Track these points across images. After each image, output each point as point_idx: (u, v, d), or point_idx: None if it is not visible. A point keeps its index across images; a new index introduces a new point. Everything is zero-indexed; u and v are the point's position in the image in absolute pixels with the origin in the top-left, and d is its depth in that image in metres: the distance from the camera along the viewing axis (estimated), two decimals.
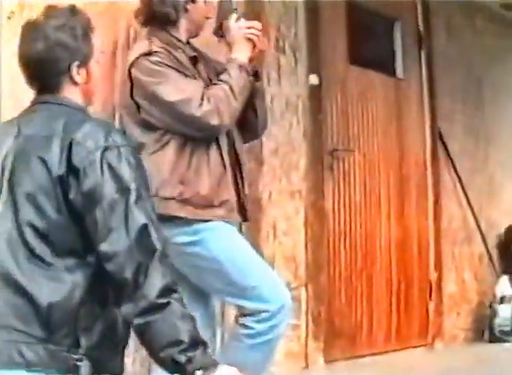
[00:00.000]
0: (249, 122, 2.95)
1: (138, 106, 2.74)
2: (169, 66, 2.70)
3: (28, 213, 1.78)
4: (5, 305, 1.74)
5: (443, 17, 6.04)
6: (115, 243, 1.73)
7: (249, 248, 2.84)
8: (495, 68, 6.58)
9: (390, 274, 5.18)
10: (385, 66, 5.53)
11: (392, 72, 5.58)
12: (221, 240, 2.78)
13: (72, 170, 1.77)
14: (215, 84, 2.74)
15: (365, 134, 5.10)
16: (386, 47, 5.64)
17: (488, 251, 6.25)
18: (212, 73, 2.85)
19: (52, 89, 1.96)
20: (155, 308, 1.71)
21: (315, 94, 4.57)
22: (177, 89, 2.67)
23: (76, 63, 1.95)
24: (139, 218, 1.75)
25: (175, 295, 1.75)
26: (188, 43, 2.90)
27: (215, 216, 2.75)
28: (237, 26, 2.82)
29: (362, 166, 5.05)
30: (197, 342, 1.72)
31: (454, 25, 6.17)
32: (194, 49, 2.91)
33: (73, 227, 1.78)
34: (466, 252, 6.06)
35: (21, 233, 1.77)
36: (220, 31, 2.87)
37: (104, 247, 1.73)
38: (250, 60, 2.81)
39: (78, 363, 1.72)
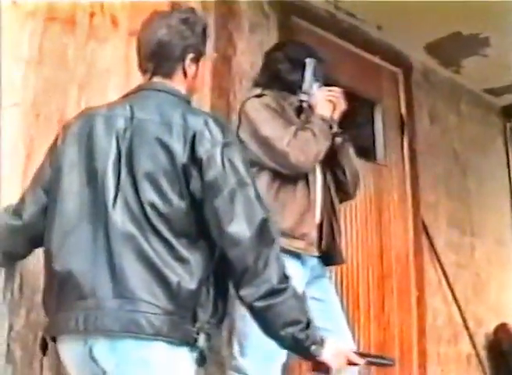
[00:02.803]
0: (339, 181, 3.32)
1: (241, 141, 2.99)
2: (274, 109, 3.12)
3: (149, 193, 1.93)
4: (137, 279, 1.87)
5: (426, 101, 5.78)
6: (240, 230, 1.92)
7: None
8: (480, 156, 6.31)
9: None
10: (365, 151, 5.14)
11: (372, 157, 5.24)
12: None
13: (195, 160, 1.94)
14: (302, 130, 3.07)
15: (342, 225, 4.65)
16: (366, 130, 5.33)
17: (476, 351, 5.76)
18: None
19: (165, 74, 2.18)
20: (277, 292, 1.91)
21: None
22: (273, 127, 3.06)
23: (191, 55, 2.20)
24: (260, 211, 1.96)
25: (289, 281, 1.96)
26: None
27: (295, 248, 3.01)
28: (319, 90, 3.21)
29: None
30: (310, 321, 1.98)
31: (438, 109, 5.91)
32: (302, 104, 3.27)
33: (191, 212, 1.95)
34: (452, 352, 5.57)
35: (144, 212, 1.92)
36: (305, 97, 3.22)
37: (231, 229, 1.92)
38: (332, 119, 3.20)
39: (196, 336, 1.91)
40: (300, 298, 2.01)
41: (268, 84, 3.30)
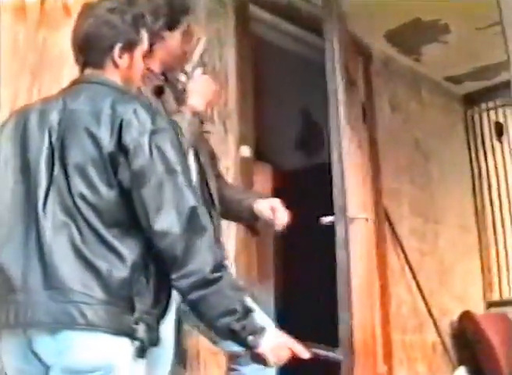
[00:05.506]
0: None
1: None
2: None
3: (79, 185, 1.91)
4: (68, 269, 1.84)
5: (387, 89, 5.80)
6: (167, 222, 1.87)
7: None
8: (441, 144, 6.33)
9: None
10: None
11: None
12: None
13: (123, 149, 1.90)
14: None
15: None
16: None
17: (441, 339, 5.79)
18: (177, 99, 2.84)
19: (96, 65, 2.14)
20: (210, 282, 1.87)
21: (247, 168, 4.12)
22: None
23: (120, 45, 2.13)
24: (188, 200, 1.91)
25: (225, 269, 1.92)
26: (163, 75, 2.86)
27: None
28: (201, 79, 2.88)
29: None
30: (247, 310, 1.93)
31: (399, 98, 5.93)
32: (164, 79, 2.87)
33: (121, 202, 1.91)
34: (418, 341, 5.59)
35: (75, 204, 1.90)
36: (184, 78, 2.89)
37: (157, 226, 1.87)
38: (203, 114, 2.84)
39: (135, 326, 1.86)
40: (237, 287, 1.95)
41: None
